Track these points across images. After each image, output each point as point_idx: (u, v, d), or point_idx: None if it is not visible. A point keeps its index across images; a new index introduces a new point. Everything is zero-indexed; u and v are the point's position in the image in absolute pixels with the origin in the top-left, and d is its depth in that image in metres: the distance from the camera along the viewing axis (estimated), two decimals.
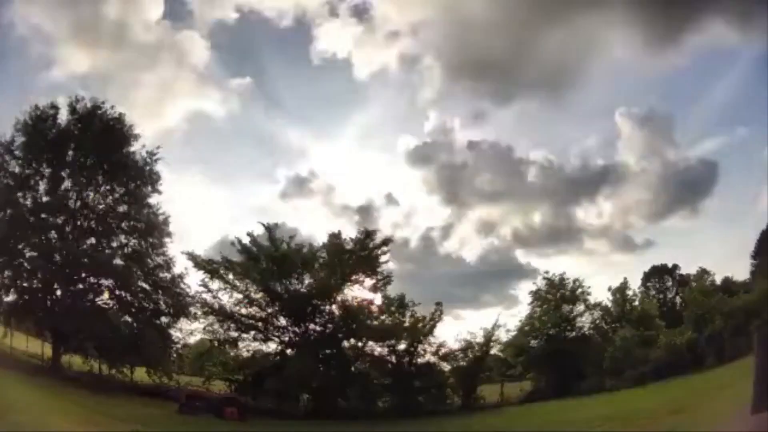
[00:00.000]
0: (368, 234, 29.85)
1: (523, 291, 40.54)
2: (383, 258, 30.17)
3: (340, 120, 52.76)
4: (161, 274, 28.70)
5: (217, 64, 45.51)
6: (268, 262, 28.97)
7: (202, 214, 48.09)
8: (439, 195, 53.14)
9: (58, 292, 27.19)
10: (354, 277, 29.65)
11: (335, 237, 29.91)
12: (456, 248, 49.80)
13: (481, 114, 51.01)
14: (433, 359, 30.51)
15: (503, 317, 37.60)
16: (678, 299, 43.39)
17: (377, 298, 30.47)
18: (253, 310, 29.79)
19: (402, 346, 29.94)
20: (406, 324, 30.07)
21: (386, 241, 30.17)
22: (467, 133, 51.34)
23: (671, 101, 50.70)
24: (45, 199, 27.51)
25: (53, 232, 27.44)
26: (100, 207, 28.49)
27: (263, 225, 29.89)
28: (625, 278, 35.77)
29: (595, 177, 45.57)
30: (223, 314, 29.22)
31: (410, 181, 52.17)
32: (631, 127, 47.95)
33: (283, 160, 56.61)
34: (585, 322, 33.81)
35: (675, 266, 46.81)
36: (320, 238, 31.11)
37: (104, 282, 27.94)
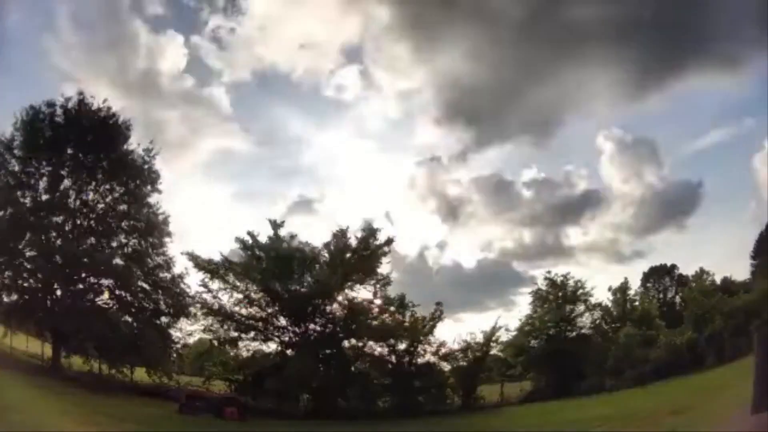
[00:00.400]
0: (372, 232, 29.79)
1: (522, 296, 41.03)
2: (384, 258, 30.20)
3: (346, 151, 56.15)
4: (161, 274, 28.73)
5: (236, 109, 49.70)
6: (270, 262, 28.96)
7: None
8: (438, 215, 56.75)
9: (58, 292, 27.20)
10: (355, 277, 29.60)
11: (342, 234, 29.80)
12: (454, 259, 52.70)
13: (476, 149, 54.41)
14: (433, 359, 30.48)
15: (504, 320, 37.63)
16: (678, 299, 43.38)
17: (377, 298, 30.47)
18: (253, 310, 29.75)
19: (402, 346, 29.89)
20: (406, 324, 30.03)
21: (389, 241, 30.12)
22: (464, 166, 55.45)
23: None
24: (44, 197, 27.53)
25: (53, 231, 27.45)
26: (100, 206, 28.52)
27: (270, 221, 29.90)
28: (626, 278, 35.83)
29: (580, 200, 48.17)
30: (223, 314, 29.17)
31: (411, 203, 54.30)
32: (613, 151, 50.52)
33: (292, 183, 57.79)
34: (585, 322, 33.82)
35: (674, 266, 46.93)
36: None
37: (104, 282, 27.95)
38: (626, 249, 50.67)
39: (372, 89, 53.29)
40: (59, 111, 27.70)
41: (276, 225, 29.69)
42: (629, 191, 49.42)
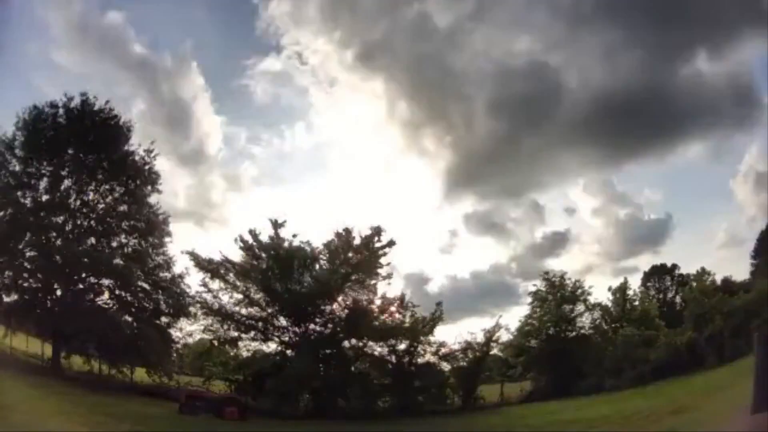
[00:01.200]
0: (377, 231, 29.54)
1: (521, 307, 41.73)
2: (385, 259, 30.15)
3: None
4: (161, 274, 28.82)
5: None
6: (270, 261, 28.93)
7: None
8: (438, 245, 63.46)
9: (58, 292, 27.26)
10: (355, 277, 29.58)
11: (347, 232, 29.54)
12: (453, 274, 58.16)
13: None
14: (433, 359, 30.42)
15: (504, 321, 37.60)
16: (678, 299, 43.36)
17: (377, 298, 30.44)
18: (254, 310, 29.69)
19: (402, 346, 29.84)
20: (406, 324, 30.01)
21: (390, 243, 29.96)
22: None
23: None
24: (45, 198, 27.56)
25: (53, 231, 27.46)
26: (100, 206, 28.60)
27: (271, 221, 29.67)
28: (625, 278, 35.93)
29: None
30: (223, 314, 29.13)
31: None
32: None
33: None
34: (585, 322, 33.80)
35: (674, 266, 46.94)
36: None
37: (104, 282, 28.02)
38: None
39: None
40: (62, 111, 27.76)
41: (277, 224, 29.58)
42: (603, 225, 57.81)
